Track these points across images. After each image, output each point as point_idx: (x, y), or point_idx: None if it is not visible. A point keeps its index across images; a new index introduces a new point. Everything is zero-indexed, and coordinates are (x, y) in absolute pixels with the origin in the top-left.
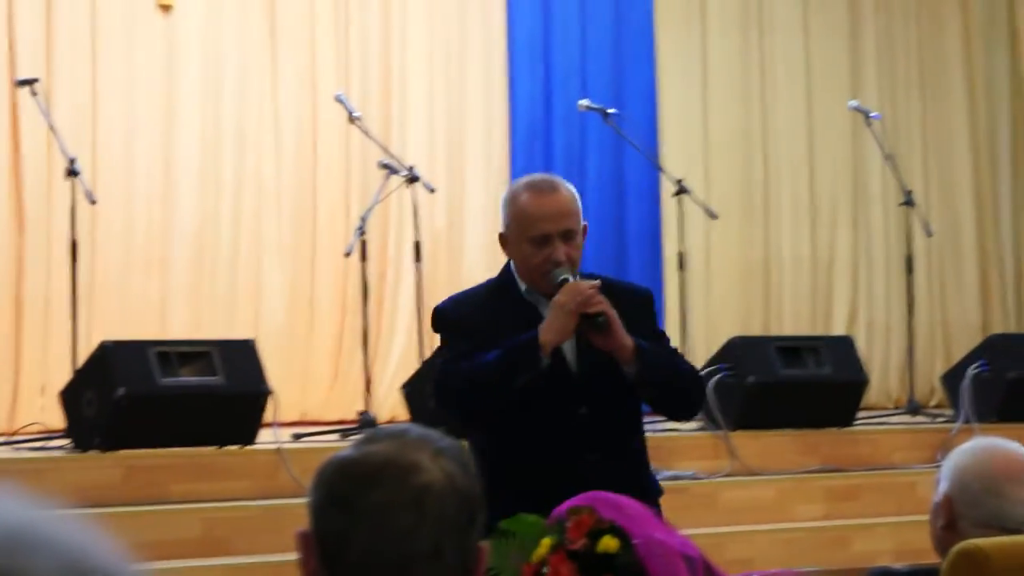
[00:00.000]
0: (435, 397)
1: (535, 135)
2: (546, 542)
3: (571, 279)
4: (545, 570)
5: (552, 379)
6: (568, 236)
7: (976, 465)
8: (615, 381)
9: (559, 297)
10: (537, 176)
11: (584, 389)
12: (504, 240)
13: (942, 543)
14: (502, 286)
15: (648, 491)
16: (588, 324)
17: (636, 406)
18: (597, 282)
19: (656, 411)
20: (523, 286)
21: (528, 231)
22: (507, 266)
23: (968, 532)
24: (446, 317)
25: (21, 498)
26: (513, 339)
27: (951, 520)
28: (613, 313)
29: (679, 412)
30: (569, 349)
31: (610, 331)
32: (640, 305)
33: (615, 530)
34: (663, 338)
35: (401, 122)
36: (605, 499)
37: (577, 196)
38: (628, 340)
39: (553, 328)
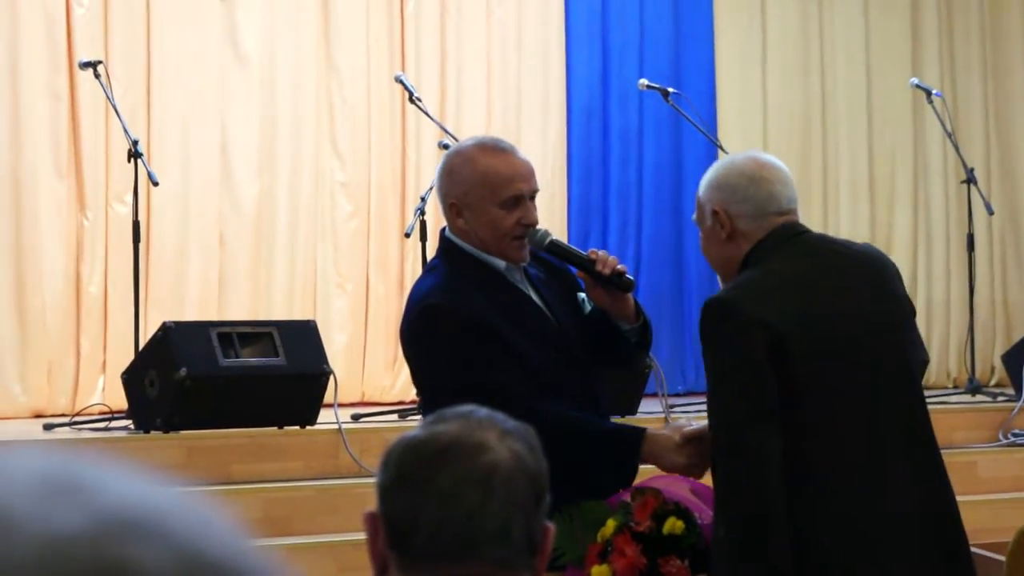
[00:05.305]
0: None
1: (592, 114)
2: (611, 523)
3: (555, 238)
4: (610, 550)
5: (566, 362)
6: (533, 197)
7: (731, 169)
8: (591, 348)
9: (681, 460)
10: (484, 137)
11: (587, 364)
12: (457, 209)
13: (728, 255)
14: (473, 266)
15: None
16: (616, 283)
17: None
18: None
19: (614, 366)
20: (485, 257)
21: (500, 193)
22: (450, 243)
23: (747, 230)
24: (453, 314)
25: (132, 476)
26: (614, 433)
27: (731, 229)
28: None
29: (635, 365)
30: (564, 325)
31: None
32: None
33: (680, 512)
34: None
35: (457, 102)
36: (670, 480)
37: None
38: (632, 299)
39: (666, 461)
